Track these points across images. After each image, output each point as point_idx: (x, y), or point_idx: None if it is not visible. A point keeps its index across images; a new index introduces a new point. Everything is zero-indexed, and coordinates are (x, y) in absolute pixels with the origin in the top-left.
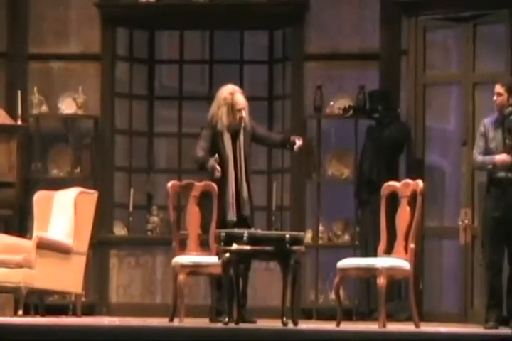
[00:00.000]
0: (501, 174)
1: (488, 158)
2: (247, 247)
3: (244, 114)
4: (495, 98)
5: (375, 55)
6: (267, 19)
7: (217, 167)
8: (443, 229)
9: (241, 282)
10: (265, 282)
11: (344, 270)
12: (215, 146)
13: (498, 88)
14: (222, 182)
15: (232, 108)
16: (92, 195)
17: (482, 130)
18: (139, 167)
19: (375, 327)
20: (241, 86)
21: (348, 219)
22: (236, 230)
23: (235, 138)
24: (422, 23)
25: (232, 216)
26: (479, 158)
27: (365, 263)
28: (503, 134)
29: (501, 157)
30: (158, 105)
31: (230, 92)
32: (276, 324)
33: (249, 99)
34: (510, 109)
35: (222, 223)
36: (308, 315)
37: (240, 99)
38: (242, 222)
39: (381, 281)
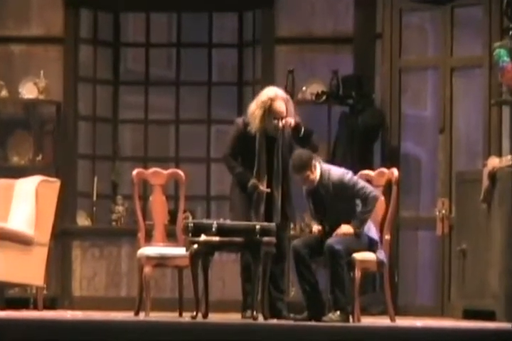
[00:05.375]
0: None
1: None
2: (216, 238)
3: (281, 124)
4: None
5: (348, 39)
6: (236, 0)
7: (260, 186)
8: (419, 219)
9: (273, 275)
10: (234, 275)
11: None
12: (244, 146)
13: None
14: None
15: (268, 113)
16: (54, 184)
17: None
18: (103, 154)
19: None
20: (209, 70)
21: None
22: (205, 220)
23: (271, 141)
24: (397, 5)
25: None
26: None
27: None
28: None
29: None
30: (123, 90)
31: (271, 97)
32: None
33: (218, 84)
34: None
35: None
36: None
37: (279, 107)
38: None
39: (356, 274)
